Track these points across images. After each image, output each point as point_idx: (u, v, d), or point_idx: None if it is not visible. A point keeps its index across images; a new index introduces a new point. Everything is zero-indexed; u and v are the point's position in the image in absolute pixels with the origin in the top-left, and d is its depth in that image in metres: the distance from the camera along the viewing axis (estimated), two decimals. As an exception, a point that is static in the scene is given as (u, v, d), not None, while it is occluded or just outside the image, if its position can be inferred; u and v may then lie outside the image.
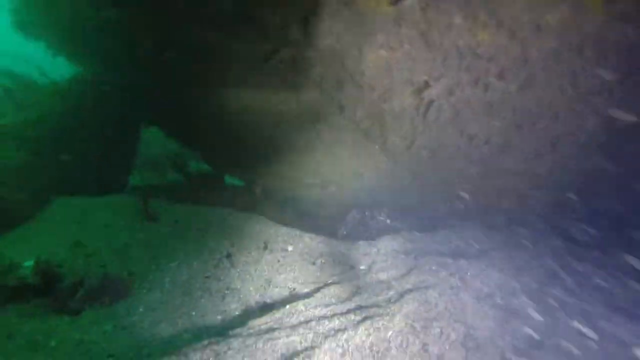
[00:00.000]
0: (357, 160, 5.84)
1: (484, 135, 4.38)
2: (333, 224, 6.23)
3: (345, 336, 3.29)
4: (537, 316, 3.33)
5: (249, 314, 4.28)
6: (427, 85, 4.26)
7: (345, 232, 5.93)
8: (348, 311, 3.79)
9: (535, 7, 2.91)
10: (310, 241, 5.35)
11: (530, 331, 3.39)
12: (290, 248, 5.24)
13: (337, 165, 6.07)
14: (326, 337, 3.28)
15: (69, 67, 6.92)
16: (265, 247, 5.32)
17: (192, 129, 7.20)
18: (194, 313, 4.33)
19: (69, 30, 6.28)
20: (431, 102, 4.39)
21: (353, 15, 3.66)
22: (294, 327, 3.71)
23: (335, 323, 3.53)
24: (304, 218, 6.39)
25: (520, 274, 4.24)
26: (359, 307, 3.71)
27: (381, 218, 6.03)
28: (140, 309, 4.21)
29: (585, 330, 3.28)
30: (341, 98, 4.94)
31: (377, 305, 3.70)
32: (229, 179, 8.71)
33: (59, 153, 5.69)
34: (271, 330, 3.71)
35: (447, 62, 3.89)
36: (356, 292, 4.13)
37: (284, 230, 5.68)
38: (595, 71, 3.32)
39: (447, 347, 3.34)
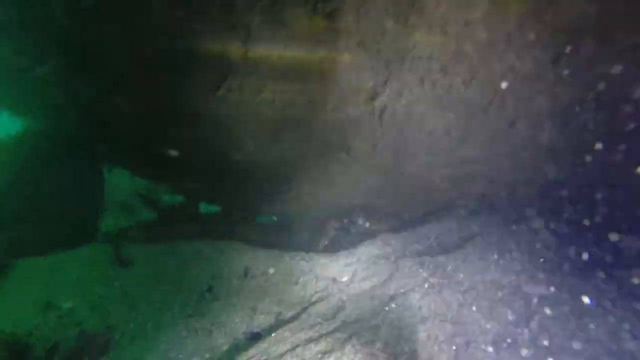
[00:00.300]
0: (326, 168, 5.80)
1: (442, 128, 4.40)
2: (313, 236, 6.16)
3: (332, 358, 3.23)
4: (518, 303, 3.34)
5: (237, 347, 4.18)
6: (375, 91, 4.27)
7: (325, 243, 5.87)
8: (334, 330, 3.73)
9: (459, 6, 2.94)
10: (291, 260, 5.27)
11: (514, 317, 3.40)
12: (271, 270, 5.15)
13: (308, 177, 6.02)
14: (313, 362, 3.21)
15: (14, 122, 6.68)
16: (246, 274, 5.22)
17: (159, 161, 7.05)
18: (181, 356, 4.20)
19: (11, 82, 6.07)
20: (384, 106, 4.39)
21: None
22: (281, 355, 3.63)
23: (322, 345, 3.46)
24: (282, 235, 6.30)
25: (499, 260, 4.26)
26: (345, 324, 3.65)
27: (360, 223, 5.99)
28: (124, 363, 4.06)
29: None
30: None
31: (362, 319, 3.65)
32: (204, 207, 8.55)
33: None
34: (259, 362, 3.62)
35: (390, 66, 3.90)
36: (341, 306, 4.07)
37: (262, 252, 5.58)
38: (529, 55, 3.38)
39: (436, 349, 3.31)
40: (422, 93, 3.84)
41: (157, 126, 6.01)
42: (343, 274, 4.70)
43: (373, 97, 4.25)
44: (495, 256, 4.15)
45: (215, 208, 8.46)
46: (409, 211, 5.85)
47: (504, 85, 3.55)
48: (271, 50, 4.01)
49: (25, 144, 6.16)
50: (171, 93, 4.98)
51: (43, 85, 5.56)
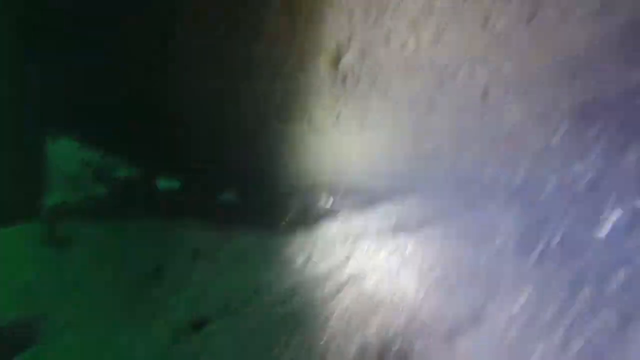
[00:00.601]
0: (286, 141, 5.39)
1: (407, 97, 4.02)
2: (271, 215, 5.79)
3: (277, 349, 2.92)
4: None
5: (181, 335, 3.82)
6: (339, 51, 3.83)
7: (284, 223, 5.50)
8: (285, 315, 3.42)
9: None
10: (244, 241, 4.90)
11: (471, 301, 3.15)
12: (222, 252, 4.77)
13: (268, 150, 5.60)
14: (254, 356, 2.90)
15: None
16: (196, 255, 4.82)
17: (117, 130, 6.48)
18: (120, 345, 3.81)
19: None
20: (347, 68, 3.97)
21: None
22: (227, 345, 3.31)
23: (270, 335, 3.14)
24: (239, 214, 5.90)
25: (459, 239, 3.99)
26: (294, 312, 3.34)
27: (321, 202, 5.63)
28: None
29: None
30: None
31: (313, 305, 3.34)
32: (164, 183, 8.00)
33: None
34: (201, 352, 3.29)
35: (353, 20, 3.44)
36: (293, 291, 3.76)
37: (215, 232, 5.18)
38: (507, 9, 2.99)
39: (390, 336, 3.04)
40: (387, 54, 3.43)
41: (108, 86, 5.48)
42: (299, 254, 4.37)
43: (335, 59, 3.82)
44: (455, 236, 3.87)
45: (175, 183, 7.93)
46: (373, 188, 5.54)
47: (476, 46, 3.17)
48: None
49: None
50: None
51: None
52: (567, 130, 3.87)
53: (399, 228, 4.19)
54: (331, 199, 5.76)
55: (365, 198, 5.43)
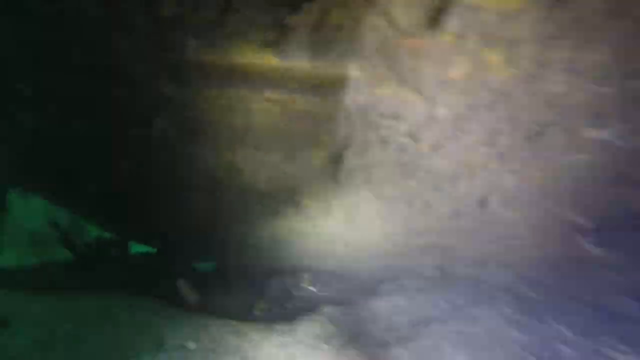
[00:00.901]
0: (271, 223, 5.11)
1: (402, 196, 3.88)
2: (249, 298, 5.36)
3: None
4: None
5: None
6: (335, 146, 3.72)
7: (259, 312, 5.07)
8: None
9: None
10: (217, 332, 4.42)
11: None
12: (191, 345, 4.26)
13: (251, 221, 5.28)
14: None
15: None
16: (160, 346, 4.29)
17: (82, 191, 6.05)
18: None
19: None
20: (342, 162, 3.84)
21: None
22: None
23: None
24: (214, 293, 5.45)
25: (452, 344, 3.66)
26: None
27: (306, 286, 5.28)
28: None
29: None
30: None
31: None
32: (136, 247, 7.47)
33: None
34: None
35: (352, 121, 3.36)
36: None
37: (186, 318, 4.68)
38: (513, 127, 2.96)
39: None
40: (385, 157, 3.34)
41: (84, 153, 5.14)
42: (276, 357, 3.92)
43: (334, 155, 3.71)
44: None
45: (149, 249, 7.42)
46: (368, 273, 5.24)
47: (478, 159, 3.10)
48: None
49: None
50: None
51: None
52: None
53: (396, 335, 3.84)
54: (312, 288, 5.42)
55: (361, 284, 5.10)
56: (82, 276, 5.81)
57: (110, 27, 3.01)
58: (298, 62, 2.99)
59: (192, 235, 5.88)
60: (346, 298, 4.84)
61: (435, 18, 2.55)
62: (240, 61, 3.09)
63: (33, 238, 7.10)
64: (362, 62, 2.90)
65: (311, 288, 5.33)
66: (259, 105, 3.52)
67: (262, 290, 5.46)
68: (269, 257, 5.46)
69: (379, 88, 3.09)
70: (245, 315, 5.01)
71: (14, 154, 5.20)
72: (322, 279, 5.35)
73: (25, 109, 4.11)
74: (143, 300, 5.14)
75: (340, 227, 4.62)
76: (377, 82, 2.99)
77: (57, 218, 7.27)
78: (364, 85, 3.02)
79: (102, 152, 4.70)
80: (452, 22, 2.56)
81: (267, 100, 3.51)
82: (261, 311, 5.10)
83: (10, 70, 3.76)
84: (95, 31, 3.06)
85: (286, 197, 4.31)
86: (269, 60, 3.05)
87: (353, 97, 3.16)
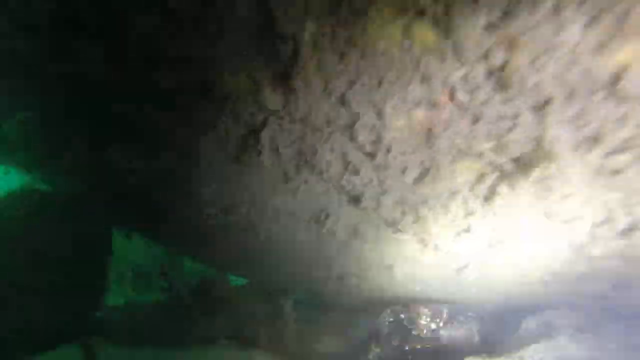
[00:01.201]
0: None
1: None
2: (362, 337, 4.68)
3: None
4: None
5: None
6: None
7: (379, 350, 4.36)
8: None
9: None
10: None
11: None
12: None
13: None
14: None
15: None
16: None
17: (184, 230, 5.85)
18: None
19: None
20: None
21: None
22: None
23: None
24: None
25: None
26: None
27: (424, 322, 4.46)
28: None
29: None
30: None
31: None
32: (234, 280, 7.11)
33: None
34: None
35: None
36: None
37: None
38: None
39: None
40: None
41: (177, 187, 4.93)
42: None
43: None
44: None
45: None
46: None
47: None
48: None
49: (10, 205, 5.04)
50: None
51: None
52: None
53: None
54: (436, 322, 4.58)
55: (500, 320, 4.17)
56: (179, 322, 5.46)
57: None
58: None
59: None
60: (489, 333, 3.93)
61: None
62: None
63: (136, 273, 7.18)
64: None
65: (432, 325, 4.49)
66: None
67: (375, 327, 4.74)
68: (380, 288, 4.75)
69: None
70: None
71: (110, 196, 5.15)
72: (452, 310, 4.47)
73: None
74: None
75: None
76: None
77: (154, 252, 7.28)
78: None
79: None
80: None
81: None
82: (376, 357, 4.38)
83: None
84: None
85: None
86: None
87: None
